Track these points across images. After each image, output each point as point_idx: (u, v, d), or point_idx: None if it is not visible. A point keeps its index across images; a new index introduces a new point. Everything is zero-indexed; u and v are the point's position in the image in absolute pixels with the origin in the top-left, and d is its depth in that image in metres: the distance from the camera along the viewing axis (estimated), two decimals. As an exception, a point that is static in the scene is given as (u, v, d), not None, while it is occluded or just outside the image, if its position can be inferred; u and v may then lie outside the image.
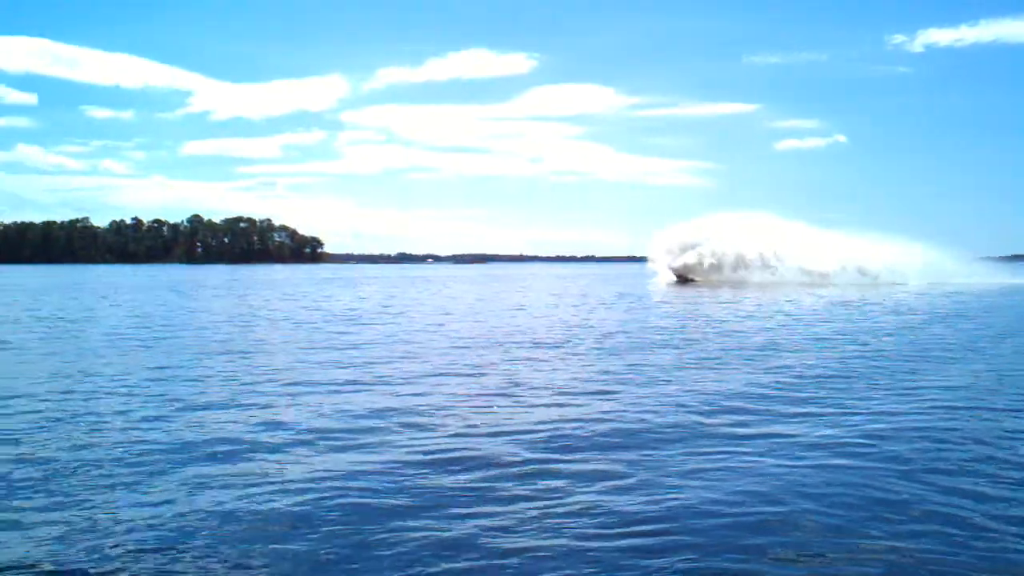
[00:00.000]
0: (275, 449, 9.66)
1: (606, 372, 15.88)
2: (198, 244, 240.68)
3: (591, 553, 6.42)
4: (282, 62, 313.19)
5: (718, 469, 8.72)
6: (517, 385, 14.32)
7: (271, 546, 6.56)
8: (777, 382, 14.50)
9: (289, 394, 13.38)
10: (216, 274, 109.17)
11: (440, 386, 14.23)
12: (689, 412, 11.73)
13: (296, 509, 7.41)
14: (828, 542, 6.63)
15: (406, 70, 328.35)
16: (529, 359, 18.00)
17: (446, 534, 6.83)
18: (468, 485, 8.19)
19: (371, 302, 42.59)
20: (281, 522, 7.08)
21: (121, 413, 11.69)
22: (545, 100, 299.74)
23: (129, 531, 6.85)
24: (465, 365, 16.95)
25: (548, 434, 10.38)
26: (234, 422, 11.15)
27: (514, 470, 8.71)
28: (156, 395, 13.27)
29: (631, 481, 8.29)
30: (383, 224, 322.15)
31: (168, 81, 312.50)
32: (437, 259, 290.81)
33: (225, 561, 6.27)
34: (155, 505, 7.51)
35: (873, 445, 9.66)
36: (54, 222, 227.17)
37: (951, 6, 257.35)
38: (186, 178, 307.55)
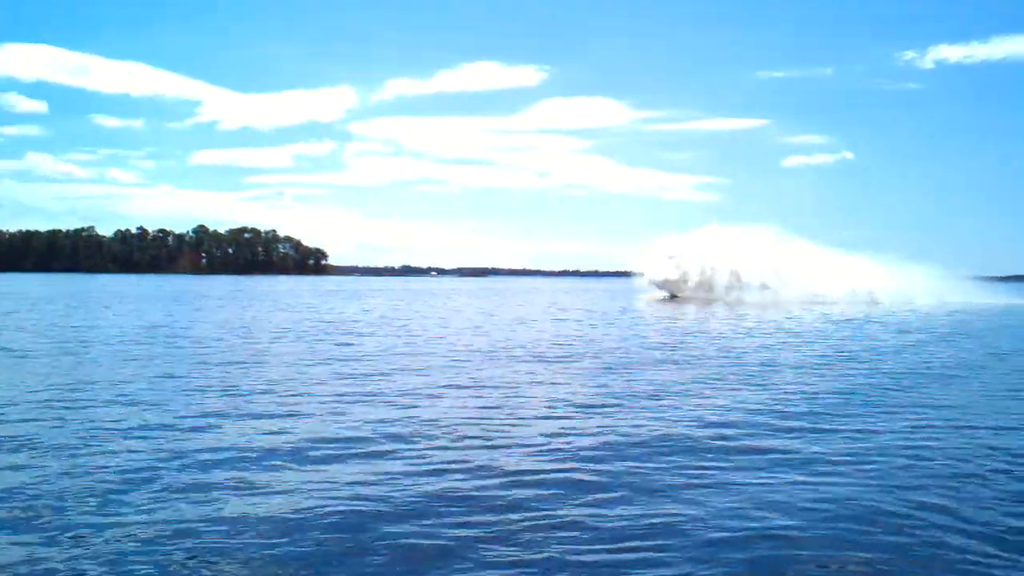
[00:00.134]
0: (269, 461, 9.85)
1: (602, 387, 16.06)
2: (203, 254, 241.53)
3: (579, 566, 6.62)
4: (292, 72, 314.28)
5: (704, 486, 8.90)
6: (513, 399, 14.51)
7: (265, 552, 6.75)
8: (772, 400, 14.68)
9: (286, 406, 13.56)
10: (219, 285, 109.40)
11: (438, 399, 14.43)
12: (684, 428, 11.92)
13: (291, 517, 7.60)
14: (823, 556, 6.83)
15: (415, 81, 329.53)
16: (529, 373, 18.18)
17: (434, 542, 7.02)
18: (460, 494, 8.38)
19: (375, 314, 42.78)
20: (277, 533, 7.26)
21: (118, 422, 11.88)
22: (554, 113, 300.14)
23: (128, 539, 7.05)
24: (466, 378, 17.10)
25: (542, 447, 10.58)
26: (240, 433, 11.36)
27: (503, 479, 8.90)
28: (155, 407, 13.45)
29: (617, 495, 8.48)
30: (388, 236, 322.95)
31: (178, 90, 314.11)
32: (441, 272, 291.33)
33: (222, 571, 6.46)
34: (148, 516, 7.71)
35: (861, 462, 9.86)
36: (59, 230, 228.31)
37: (962, 22, 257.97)
38: (194, 187, 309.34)
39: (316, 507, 7.89)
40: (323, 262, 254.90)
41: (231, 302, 56.60)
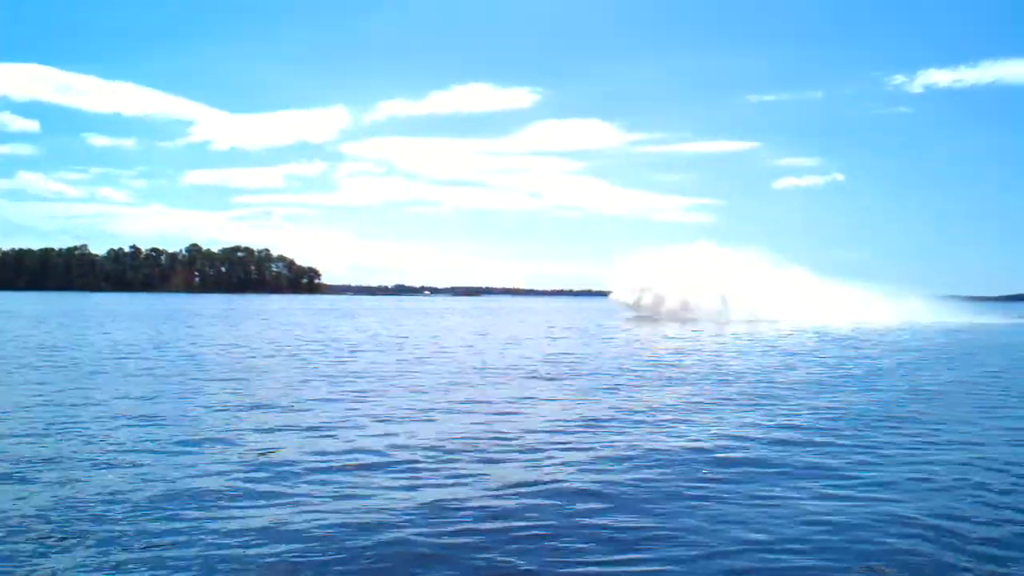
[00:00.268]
0: (261, 487, 10.04)
1: (594, 404, 16.28)
2: (196, 273, 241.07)
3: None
4: (285, 92, 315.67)
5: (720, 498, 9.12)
6: (508, 415, 14.72)
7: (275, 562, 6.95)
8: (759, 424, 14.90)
9: (284, 426, 13.75)
10: (212, 304, 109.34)
11: (433, 417, 14.64)
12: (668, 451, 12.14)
13: (288, 531, 7.80)
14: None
15: (408, 102, 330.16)
16: (525, 390, 18.40)
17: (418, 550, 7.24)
18: (453, 505, 8.59)
19: (367, 333, 42.88)
20: (288, 543, 7.46)
21: (115, 443, 12.06)
22: (546, 135, 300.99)
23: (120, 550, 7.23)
24: (458, 398, 17.31)
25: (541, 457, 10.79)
26: (238, 449, 11.54)
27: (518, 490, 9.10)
28: (149, 427, 13.63)
29: (612, 505, 8.70)
30: (381, 256, 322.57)
31: (170, 110, 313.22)
32: (434, 291, 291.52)
33: None
34: (147, 540, 7.89)
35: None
36: (52, 249, 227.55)
37: (951, 47, 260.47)
38: (186, 207, 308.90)
39: (327, 521, 8.09)
40: (316, 281, 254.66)
41: (223, 320, 56.64)
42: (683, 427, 13.72)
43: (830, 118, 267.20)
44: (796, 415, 15.03)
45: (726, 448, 11.89)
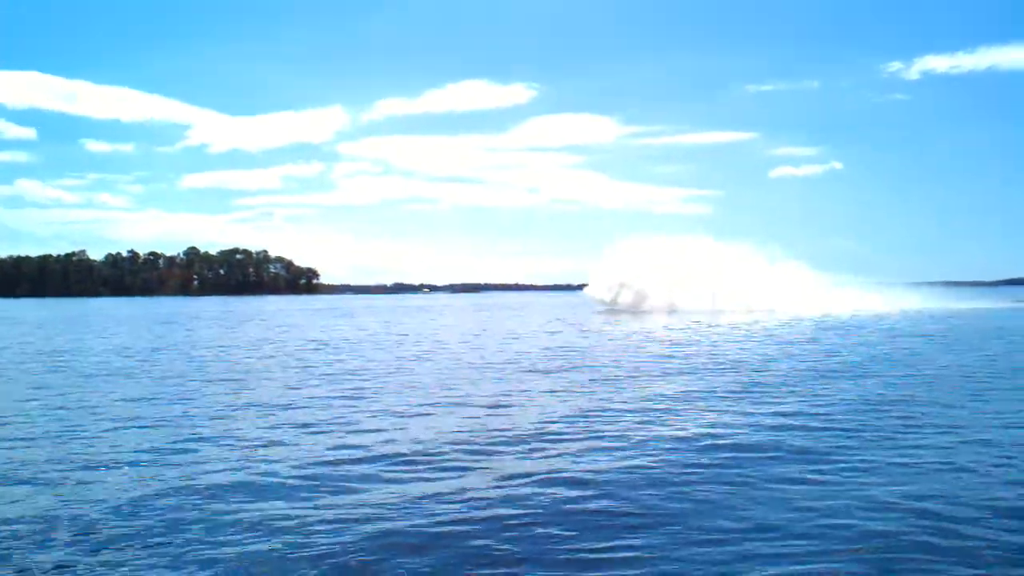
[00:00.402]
0: (259, 489, 10.23)
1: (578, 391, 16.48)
2: (194, 276, 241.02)
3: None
4: (281, 94, 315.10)
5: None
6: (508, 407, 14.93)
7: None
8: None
9: (282, 424, 13.96)
10: (209, 307, 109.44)
11: (431, 415, 14.84)
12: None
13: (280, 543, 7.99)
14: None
15: (404, 101, 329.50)
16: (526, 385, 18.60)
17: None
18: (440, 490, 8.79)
19: (367, 332, 43.03)
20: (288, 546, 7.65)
21: (112, 445, 12.26)
22: (543, 130, 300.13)
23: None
24: (461, 393, 17.51)
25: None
26: (241, 451, 11.74)
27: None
28: (147, 429, 13.83)
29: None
30: (379, 255, 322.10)
31: (167, 114, 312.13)
32: (433, 288, 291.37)
33: None
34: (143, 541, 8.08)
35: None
36: (50, 255, 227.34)
37: (948, 33, 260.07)
38: (184, 211, 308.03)
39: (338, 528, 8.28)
40: (315, 281, 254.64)
41: (218, 324, 56.78)
42: (676, 417, 13.93)
43: (827, 107, 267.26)
44: (784, 403, 15.25)
45: (721, 436, 12.08)
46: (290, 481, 9.64)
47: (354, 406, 15.38)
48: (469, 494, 8.99)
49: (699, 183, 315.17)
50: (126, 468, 10.35)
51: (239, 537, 7.59)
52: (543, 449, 11.32)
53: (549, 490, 9.11)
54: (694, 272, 66.06)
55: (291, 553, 7.17)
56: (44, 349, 31.68)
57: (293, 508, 8.49)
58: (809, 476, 9.64)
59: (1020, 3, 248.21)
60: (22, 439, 12.34)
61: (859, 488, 9.08)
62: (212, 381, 19.84)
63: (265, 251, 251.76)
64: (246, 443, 11.89)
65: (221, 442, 11.99)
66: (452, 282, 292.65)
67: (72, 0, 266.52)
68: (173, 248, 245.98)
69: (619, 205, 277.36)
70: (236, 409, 15.23)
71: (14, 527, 7.89)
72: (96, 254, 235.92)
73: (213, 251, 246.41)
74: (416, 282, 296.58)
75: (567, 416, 14.01)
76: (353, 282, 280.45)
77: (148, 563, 6.96)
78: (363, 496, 8.97)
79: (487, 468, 10.20)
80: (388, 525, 7.92)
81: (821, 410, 14.33)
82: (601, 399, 15.94)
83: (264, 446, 11.72)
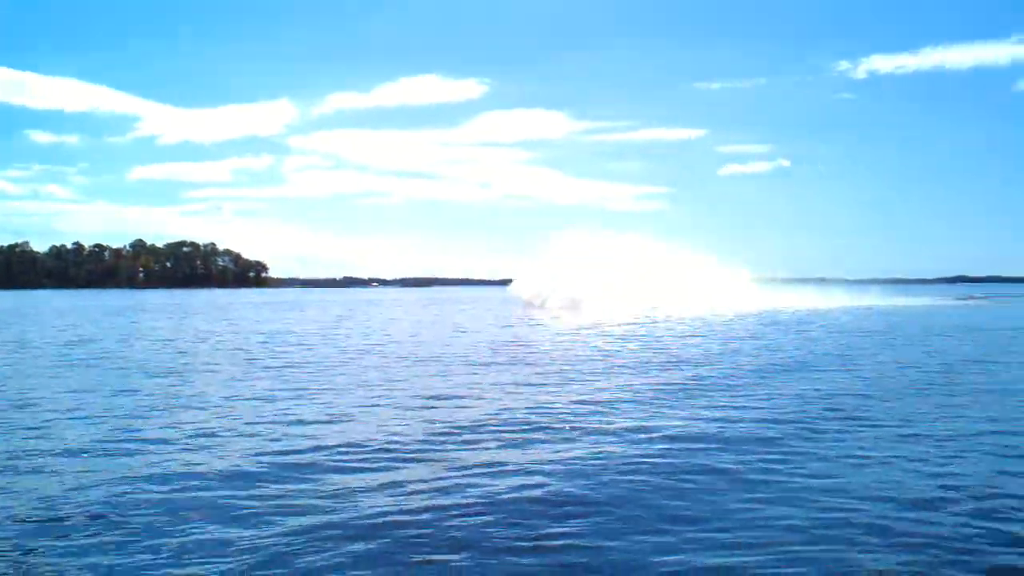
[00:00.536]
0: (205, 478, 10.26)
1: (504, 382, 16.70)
2: (140, 269, 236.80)
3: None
4: (231, 87, 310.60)
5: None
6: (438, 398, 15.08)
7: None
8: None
9: (224, 416, 13.95)
10: (154, 299, 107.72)
11: (369, 406, 14.93)
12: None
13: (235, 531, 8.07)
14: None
15: (356, 95, 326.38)
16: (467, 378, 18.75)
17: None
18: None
19: (309, 327, 42.80)
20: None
21: (54, 442, 12.18)
22: (496, 125, 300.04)
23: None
24: (403, 386, 17.61)
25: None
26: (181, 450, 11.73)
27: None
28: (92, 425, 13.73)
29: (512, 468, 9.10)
30: (329, 249, 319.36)
31: (115, 106, 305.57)
32: (383, 283, 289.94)
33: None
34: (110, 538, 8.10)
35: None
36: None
37: (894, 34, 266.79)
38: (133, 203, 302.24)
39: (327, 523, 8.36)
40: (263, 275, 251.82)
41: (165, 316, 56.04)
42: (615, 412, 14.21)
43: (776, 105, 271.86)
44: (720, 400, 15.62)
45: (658, 429, 12.37)
46: (232, 471, 9.69)
47: (297, 399, 15.41)
48: (409, 485, 9.13)
49: (651, 180, 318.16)
50: (66, 459, 10.32)
51: (181, 527, 7.65)
52: (482, 441, 11.51)
53: (488, 481, 9.29)
54: (626, 272, 65.70)
55: (229, 543, 7.26)
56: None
57: (235, 498, 8.56)
58: (735, 467, 9.95)
59: (964, 6, 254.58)
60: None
61: (785, 479, 9.40)
62: (156, 375, 19.69)
63: (213, 244, 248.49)
64: (187, 435, 11.89)
65: (162, 434, 11.97)
66: (404, 276, 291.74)
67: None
68: (121, 240, 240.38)
69: (572, 201, 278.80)
70: (179, 400, 15.17)
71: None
72: (42, 246, 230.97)
73: (161, 243, 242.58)
74: (366, 276, 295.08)
75: (508, 408, 14.19)
76: (303, 276, 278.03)
77: (91, 551, 7.01)
78: (303, 486, 9.07)
79: (428, 460, 10.35)
80: (325, 516, 8.03)
81: (760, 404, 14.71)
82: (544, 394, 16.16)
83: (205, 436, 11.74)
